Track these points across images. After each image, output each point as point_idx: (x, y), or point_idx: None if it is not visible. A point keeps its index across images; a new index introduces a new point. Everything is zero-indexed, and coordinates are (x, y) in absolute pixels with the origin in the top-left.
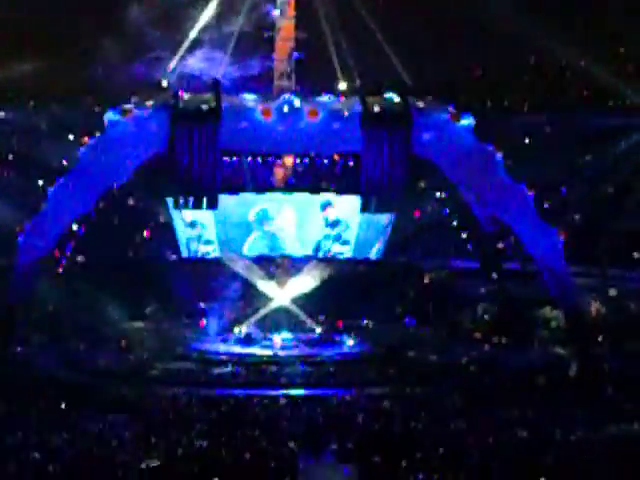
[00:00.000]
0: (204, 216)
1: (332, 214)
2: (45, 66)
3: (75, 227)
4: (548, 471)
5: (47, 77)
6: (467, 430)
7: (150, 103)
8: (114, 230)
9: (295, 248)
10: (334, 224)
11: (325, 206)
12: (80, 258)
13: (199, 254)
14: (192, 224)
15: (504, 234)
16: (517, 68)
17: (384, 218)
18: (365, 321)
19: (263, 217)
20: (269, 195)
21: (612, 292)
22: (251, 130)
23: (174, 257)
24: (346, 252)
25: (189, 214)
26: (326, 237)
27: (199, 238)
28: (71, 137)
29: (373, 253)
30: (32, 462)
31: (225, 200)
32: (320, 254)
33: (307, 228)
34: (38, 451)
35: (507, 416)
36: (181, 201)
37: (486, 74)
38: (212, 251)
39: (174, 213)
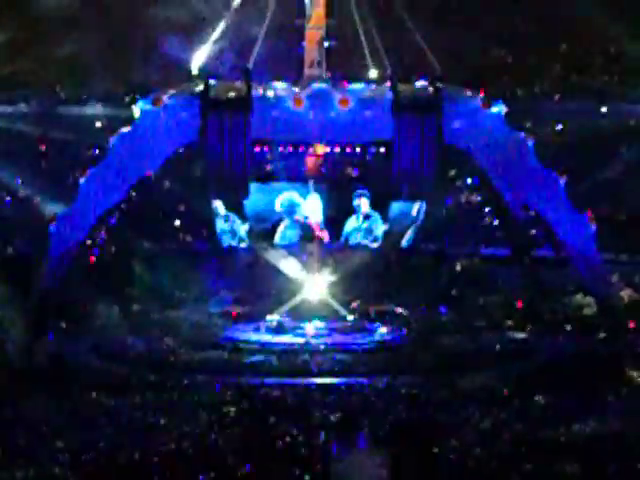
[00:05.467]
0: (235, 208)
1: (365, 206)
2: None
3: (107, 217)
4: (586, 458)
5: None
6: (500, 418)
7: (181, 91)
8: (146, 219)
9: (325, 237)
10: (366, 217)
11: (358, 197)
12: (112, 247)
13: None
14: (225, 218)
15: (535, 221)
16: (549, 53)
17: (415, 206)
18: (397, 309)
19: (291, 206)
20: (298, 184)
21: None
22: (282, 118)
23: (204, 247)
24: (374, 244)
25: (222, 207)
26: (356, 229)
27: (232, 233)
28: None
29: (404, 241)
30: (65, 451)
31: (255, 189)
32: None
33: (336, 218)
34: (71, 439)
35: (540, 404)
36: (212, 190)
37: (517, 60)
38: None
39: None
